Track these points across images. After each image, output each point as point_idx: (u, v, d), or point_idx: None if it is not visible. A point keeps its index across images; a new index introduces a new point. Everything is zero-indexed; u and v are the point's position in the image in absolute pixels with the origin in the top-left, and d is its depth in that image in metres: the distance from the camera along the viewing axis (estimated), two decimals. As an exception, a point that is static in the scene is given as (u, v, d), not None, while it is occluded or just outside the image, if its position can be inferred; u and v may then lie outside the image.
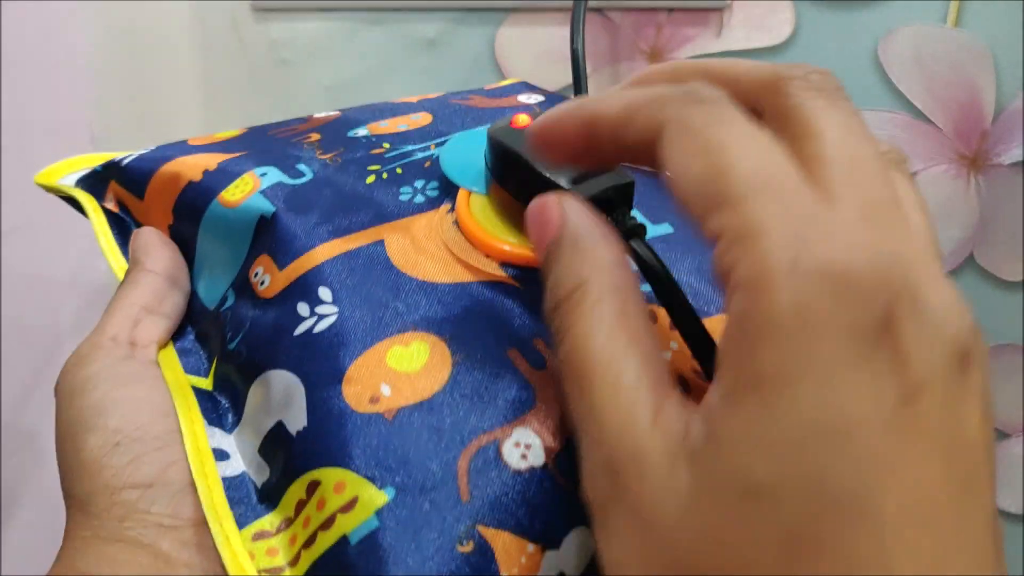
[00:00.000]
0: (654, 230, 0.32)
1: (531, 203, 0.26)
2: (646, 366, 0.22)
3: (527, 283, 0.30)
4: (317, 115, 0.41)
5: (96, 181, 0.40)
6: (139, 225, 0.38)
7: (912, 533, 0.18)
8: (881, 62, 0.58)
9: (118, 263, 0.37)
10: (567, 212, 0.25)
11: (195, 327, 0.34)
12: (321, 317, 0.28)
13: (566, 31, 0.61)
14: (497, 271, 0.30)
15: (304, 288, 0.29)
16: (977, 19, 0.57)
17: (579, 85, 0.49)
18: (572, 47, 0.48)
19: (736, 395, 0.19)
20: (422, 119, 0.38)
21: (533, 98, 0.40)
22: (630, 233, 0.27)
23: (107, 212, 0.39)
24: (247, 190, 0.33)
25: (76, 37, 0.65)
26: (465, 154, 0.33)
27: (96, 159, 0.42)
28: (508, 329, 0.28)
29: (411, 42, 0.62)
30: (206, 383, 0.32)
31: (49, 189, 0.40)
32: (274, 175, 0.33)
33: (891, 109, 0.59)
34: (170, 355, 0.33)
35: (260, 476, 0.28)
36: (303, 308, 0.29)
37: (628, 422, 0.21)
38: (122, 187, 0.38)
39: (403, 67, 0.63)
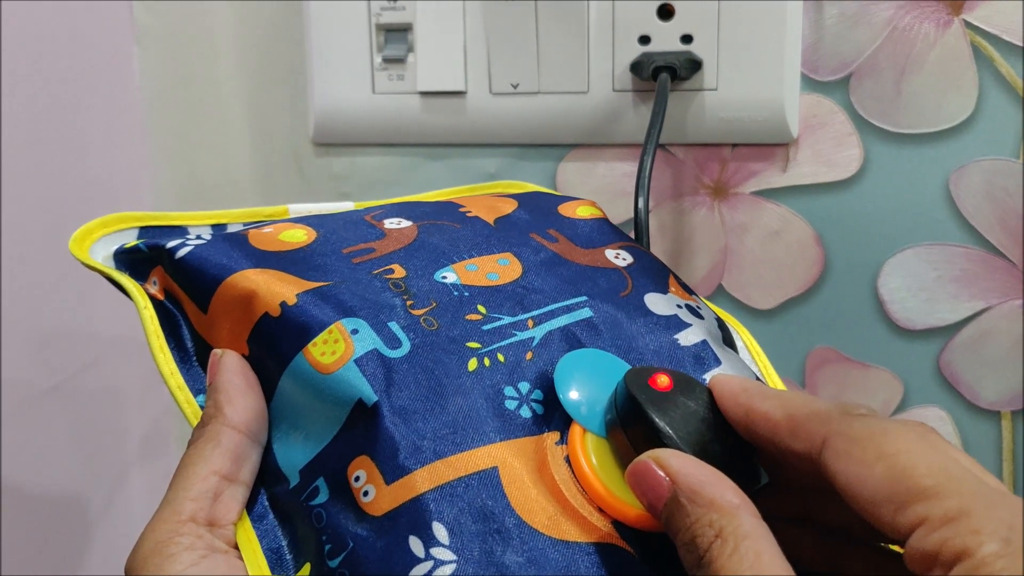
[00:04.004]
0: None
1: (629, 468, 0.27)
2: None
3: (640, 548, 0.29)
4: (389, 224, 0.39)
5: (139, 261, 0.38)
6: (194, 331, 0.36)
7: None
8: (952, 196, 0.57)
9: (170, 369, 0.36)
10: (674, 468, 0.27)
11: (268, 489, 0.33)
12: (438, 563, 0.27)
13: (626, 166, 0.60)
14: (610, 529, 0.29)
15: (416, 518, 0.28)
16: (1050, 153, 0.56)
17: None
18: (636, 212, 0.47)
19: None
20: (511, 267, 0.37)
21: (622, 257, 0.39)
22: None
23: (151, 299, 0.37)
24: (339, 353, 0.31)
25: (139, 178, 0.66)
26: (581, 382, 0.32)
27: (132, 219, 0.40)
28: None
29: (472, 176, 0.62)
30: None
31: (87, 266, 0.38)
32: (367, 336, 0.32)
33: (963, 244, 0.57)
34: (249, 537, 0.31)
35: None
36: (416, 546, 0.28)
37: None
38: (176, 284, 0.37)
39: (464, 200, 0.63)
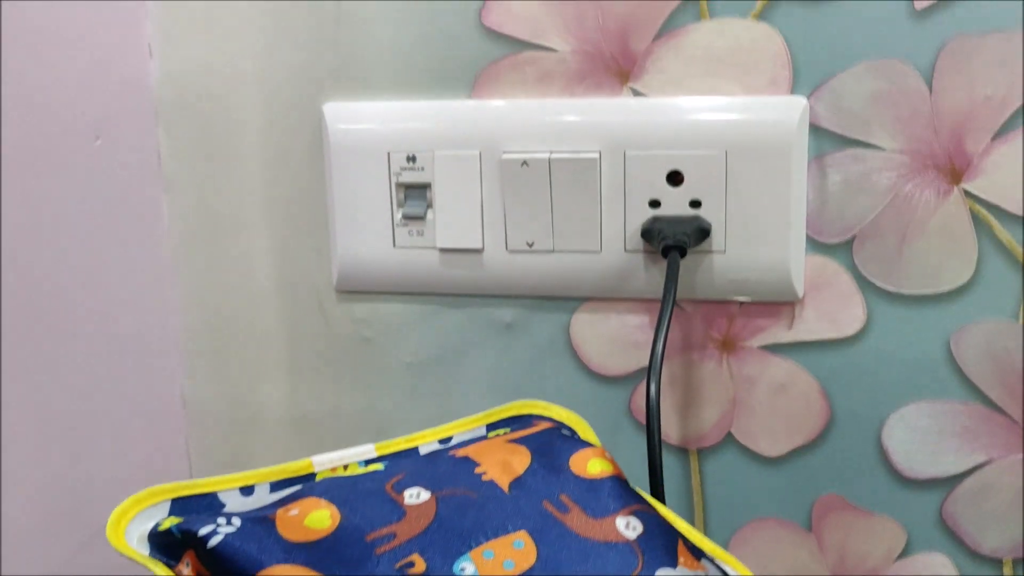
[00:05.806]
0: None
1: None
2: None
3: None
4: (409, 499, 0.42)
5: (172, 544, 0.41)
6: None
7: None
8: (954, 355, 0.59)
9: None
10: None
11: None
12: None
13: (638, 318, 0.63)
14: None
15: None
16: (1049, 313, 0.58)
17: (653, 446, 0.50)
18: (648, 399, 0.49)
19: None
20: (526, 551, 0.39)
21: (632, 527, 0.41)
22: None
23: None
24: None
25: (168, 320, 0.69)
26: None
27: (163, 492, 0.43)
28: None
29: (489, 325, 0.65)
30: None
31: (123, 552, 0.40)
32: None
33: (965, 400, 0.59)
34: None
35: None
36: None
37: None
38: (209, 573, 0.39)
39: (481, 347, 0.65)
